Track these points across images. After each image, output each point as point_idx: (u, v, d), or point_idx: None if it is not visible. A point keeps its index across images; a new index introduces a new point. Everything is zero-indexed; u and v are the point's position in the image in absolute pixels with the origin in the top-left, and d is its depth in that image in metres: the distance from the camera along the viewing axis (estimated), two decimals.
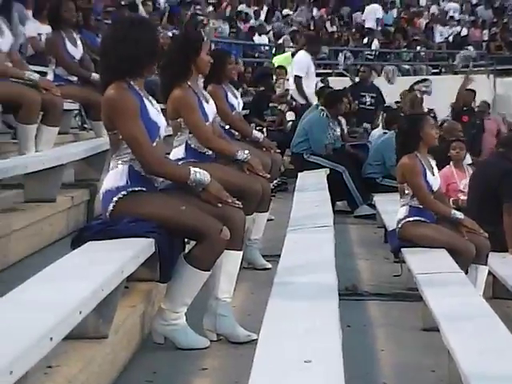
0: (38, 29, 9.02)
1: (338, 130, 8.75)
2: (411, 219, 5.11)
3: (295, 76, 10.70)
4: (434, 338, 3.75)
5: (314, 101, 10.16)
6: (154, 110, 3.56)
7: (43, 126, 5.74)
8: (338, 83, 12.56)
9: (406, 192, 5.14)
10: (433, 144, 5.25)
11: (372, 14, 20.65)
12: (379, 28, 20.55)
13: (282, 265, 3.83)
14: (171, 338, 3.58)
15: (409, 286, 5.02)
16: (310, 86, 10.86)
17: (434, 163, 5.29)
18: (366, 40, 19.58)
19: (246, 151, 4.77)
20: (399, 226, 5.17)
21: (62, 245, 4.49)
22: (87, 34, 9.98)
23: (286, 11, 21.16)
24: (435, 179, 5.22)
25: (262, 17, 20.05)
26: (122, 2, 16.19)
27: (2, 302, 2.37)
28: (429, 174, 5.14)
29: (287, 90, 10.71)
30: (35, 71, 6.05)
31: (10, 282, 2.86)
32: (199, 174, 3.55)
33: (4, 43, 5.61)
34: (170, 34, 13.55)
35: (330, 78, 13.48)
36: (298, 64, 10.85)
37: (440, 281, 4.31)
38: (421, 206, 5.10)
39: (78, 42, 6.92)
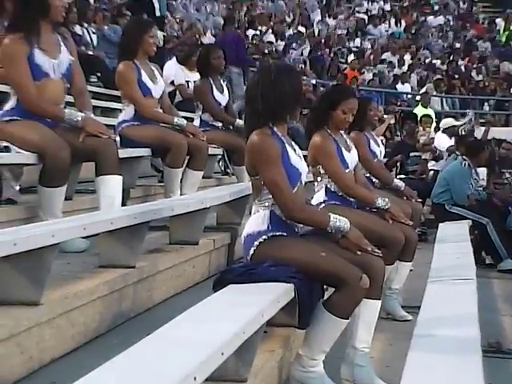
0: (185, 76, 9.38)
1: (481, 180, 8.56)
2: None
3: None
4: None
5: None
6: (296, 156, 3.58)
7: (189, 170, 5.92)
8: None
9: None
10: None
11: None
12: None
13: (422, 316, 3.73)
14: None
15: None
16: None
17: None
18: None
19: (386, 199, 4.74)
20: None
21: (203, 287, 4.59)
22: None
23: (429, 59, 20.98)
24: None
25: (406, 65, 19.95)
26: (266, 50, 16.62)
27: (148, 341, 2.42)
28: None
29: (432, 138, 10.57)
30: (182, 117, 6.28)
31: (154, 321, 2.93)
32: (339, 220, 3.53)
33: (157, 90, 5.85)
34: (313, 81, 13.76)
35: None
36: None
37: None
38: None
39: (225, 89, 7.12)
